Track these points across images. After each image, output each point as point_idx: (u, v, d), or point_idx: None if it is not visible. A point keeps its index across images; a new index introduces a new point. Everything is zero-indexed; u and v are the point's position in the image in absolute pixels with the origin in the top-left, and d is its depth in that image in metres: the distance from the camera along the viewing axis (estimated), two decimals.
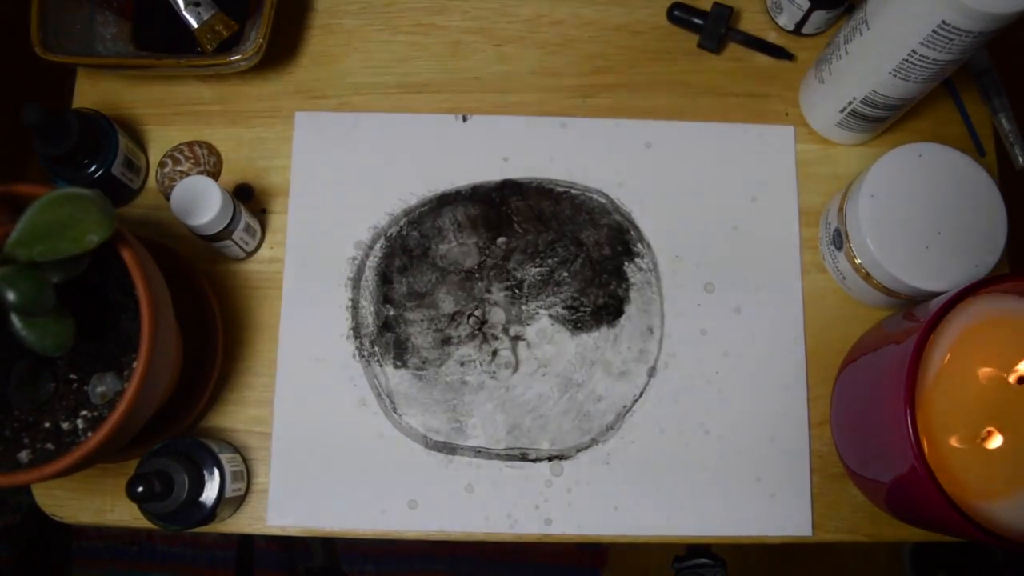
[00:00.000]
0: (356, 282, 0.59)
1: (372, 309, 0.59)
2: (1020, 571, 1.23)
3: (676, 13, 0.64)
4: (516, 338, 0.59)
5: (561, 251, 0.60)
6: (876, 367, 0.51)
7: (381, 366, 0.58)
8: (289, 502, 0.56)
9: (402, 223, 0.60)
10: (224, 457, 0.53)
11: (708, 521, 0.56)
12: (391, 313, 0.59)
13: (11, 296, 0.39)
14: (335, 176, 0.61)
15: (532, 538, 0.56)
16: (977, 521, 0.45)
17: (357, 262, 0.60)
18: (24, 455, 0.45)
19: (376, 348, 0.58)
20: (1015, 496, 0.46)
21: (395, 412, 0.58)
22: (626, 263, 0.60)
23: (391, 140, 0.62)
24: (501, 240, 0.60)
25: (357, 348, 0.59)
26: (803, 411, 0.58)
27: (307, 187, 0.61)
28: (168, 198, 0.59)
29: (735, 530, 0.56)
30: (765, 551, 1.21)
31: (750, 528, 0.56)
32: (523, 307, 0.59)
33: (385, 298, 0.59)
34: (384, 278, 0.60)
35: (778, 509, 0.57)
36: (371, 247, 0.60)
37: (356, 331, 0.59)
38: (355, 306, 0.59)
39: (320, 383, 0.58)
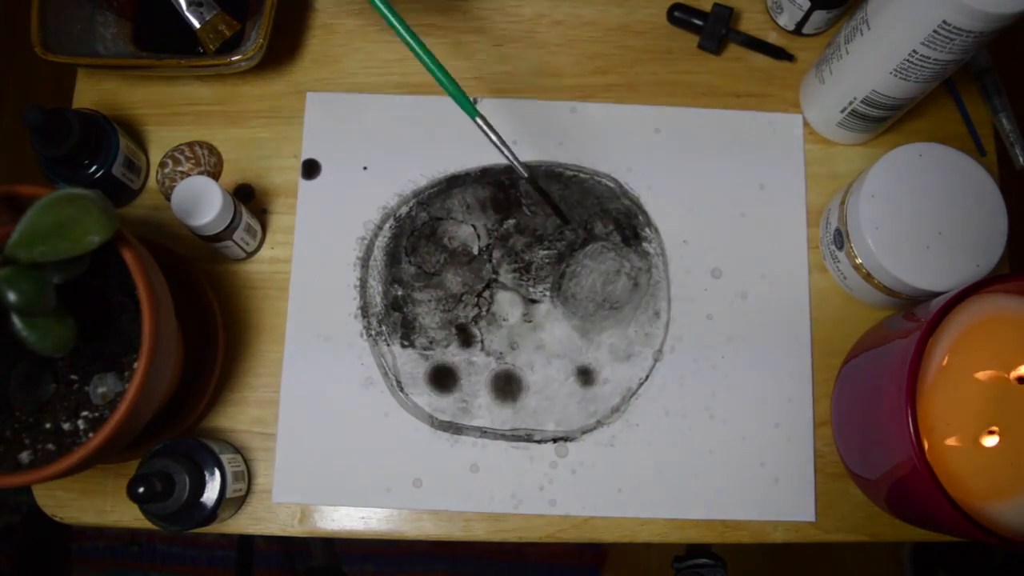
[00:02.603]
0: (365, 262, 0.60)
1: (380, 289, 0.59)
2: (1020, 571, 1.23)
3: (676, 14, 0.64)
4: (523, 320, 0.59)
5: (569, 234, 0.60)
6: (877, 367, 0.51)
7: (388, 345, 0.58)
8: (295, 479, 0.56)
9: (411, 204, 0.61)
10: (225, 458, 0.53)
11: (711, 504, 0.57)
12: (399, 293, 0.59)
13: (12, 297, 0.38)
14: (345, 156, 0.62)
15: (536, 521, 0.56)
16: (977, 521, 0.45)
17: (366, 242, 0.60)
18: (25, 456, 0.45)
19: (384, 327, 0.59)
20: (1015, 496, 0.46)
21: (402, 391, 0.58)
22: (634, 247, 0.60)
23: (401, 122, 0.62)
24: (510, 222, 0.60)
25: (365, 327, 0.59)
26: (808, 397, 0.59)
27: (317, 167, 0.61)
28: (168, 198, 0.59)
29: (738, 514, 0.57)
30: (765, 551, 1.21)
31: (753, 512, 0.57)
32: (531, 289, 0.59)
33: (393, 278, 0.59)
34: (393, 258, 0.60)
35: (782, 494, 0.57)
36: (380, 227, 0.60)
37: (364, 310, 0.59)
38: (363, 285, 0.59)
39: (327, 361, 0.58)
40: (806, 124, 0.63)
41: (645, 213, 0.61)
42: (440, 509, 0.56)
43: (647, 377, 0.59)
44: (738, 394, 0.58)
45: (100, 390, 0.47)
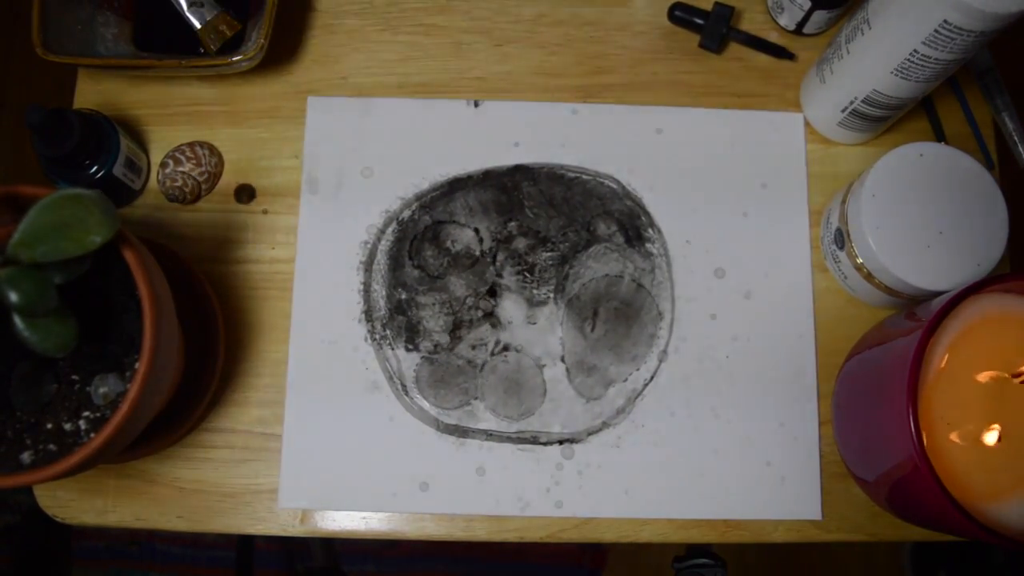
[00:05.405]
0: (368, 266, 0.60)
1: (384, 293, 0.59)
2: (1020, 571, 1.23)
3: (677, 13, 0.64)
4: (527, 322, 0.59)
5: (572, 236, 0.60)
6: (878, 366, 0.51)
7: (393, 349, 0.58)
8: (301, 484, 0.56)
9: (414, 207, 0.61)
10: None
11: (718, 504, 0.57)
12: (403, 297, 0.59)
13: (13, 297, 0.38)
14: (347, 160, 0.62)
15: (537, 521, 0.56)
16: (978, 520, 0.45)
17: (369, 246, 0.60)
18: (26, 456, 0.45)
19: (388, 331, 0.59)
20: (1016, 496, 0.46)
21: (407, 395, 0.58)
22: (637, 248, 0.60)
23: (403, 125, 0.62)
24: (512, 225, 0.60)
25: (369, 331, 0.59)
26: (813, 395, 0.59)
27: (319, 171, 0.61)
28: (169, 199, 0.59)
29: (745, 513, 0.57)
30: (765, 551, 1.21)
31: (760, 511, 0.57)
32: (534, 291, 0.59)
33: (397, 282, 0.59)
34: (396, 262, 0.60)
35: (788, 493, 0.57)
36: (383, 231, 0.60)
37: (368, 314, 0.59)
38: (367, 290, 0.59)
39: (332, 366, 0.58)
40: (807, 124, 0.63)
41: (648, 214, 0.61)
42: (447, 513, 0.56)
43: (652, 378, 0.59)
44: (743, 394, 0.58)
45: (101, 390, 0.47)
